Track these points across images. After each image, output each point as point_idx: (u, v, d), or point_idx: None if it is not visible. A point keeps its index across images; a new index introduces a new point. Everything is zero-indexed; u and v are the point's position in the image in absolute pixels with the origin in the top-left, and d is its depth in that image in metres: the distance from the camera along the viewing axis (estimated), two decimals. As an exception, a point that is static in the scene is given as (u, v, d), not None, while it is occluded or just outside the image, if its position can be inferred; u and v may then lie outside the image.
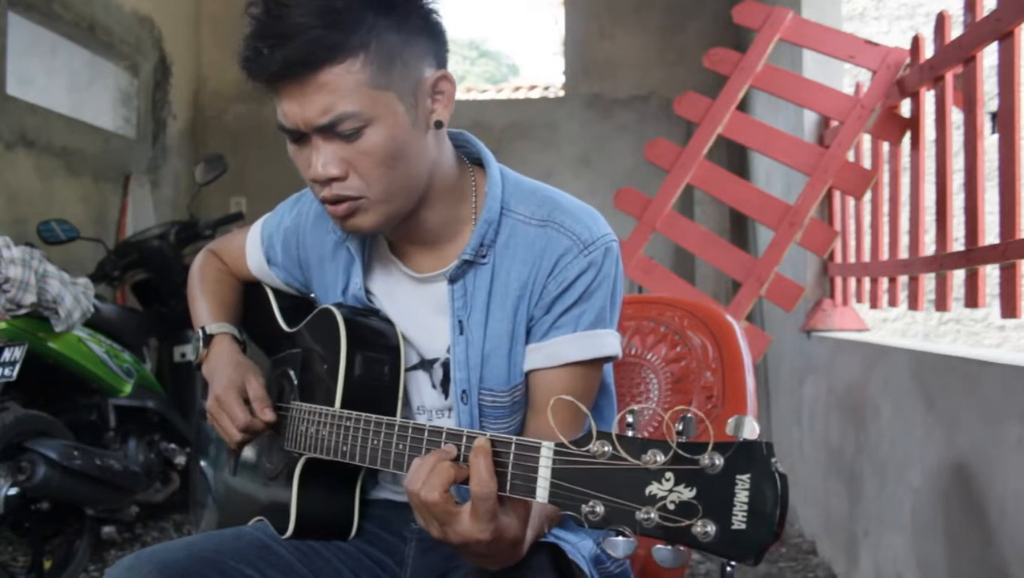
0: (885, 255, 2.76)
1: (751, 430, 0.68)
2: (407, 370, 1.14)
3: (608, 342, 1.09)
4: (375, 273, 1.17)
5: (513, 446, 0.83)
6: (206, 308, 1.29)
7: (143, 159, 4.52)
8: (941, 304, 2.26)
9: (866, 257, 2.93)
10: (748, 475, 0.67)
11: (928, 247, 2.41)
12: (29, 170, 3.58)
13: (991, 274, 2.22)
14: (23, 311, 2.35)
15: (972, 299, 2.08)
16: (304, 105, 0.97)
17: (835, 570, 2.81)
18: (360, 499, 1.17)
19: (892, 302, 2.67)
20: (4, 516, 2.29)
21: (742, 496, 0.67)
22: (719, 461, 0.68)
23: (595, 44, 5.03)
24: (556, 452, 0.79)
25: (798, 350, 3.27)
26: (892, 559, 2.24)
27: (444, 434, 0.90)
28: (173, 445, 3.08)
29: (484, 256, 1.09)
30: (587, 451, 0.75)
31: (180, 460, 3.06)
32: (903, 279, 2.56)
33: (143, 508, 2.97)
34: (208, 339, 1.25)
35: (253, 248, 1.31)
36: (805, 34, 2.87)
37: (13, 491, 2.29)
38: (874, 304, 2.79)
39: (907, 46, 2.63)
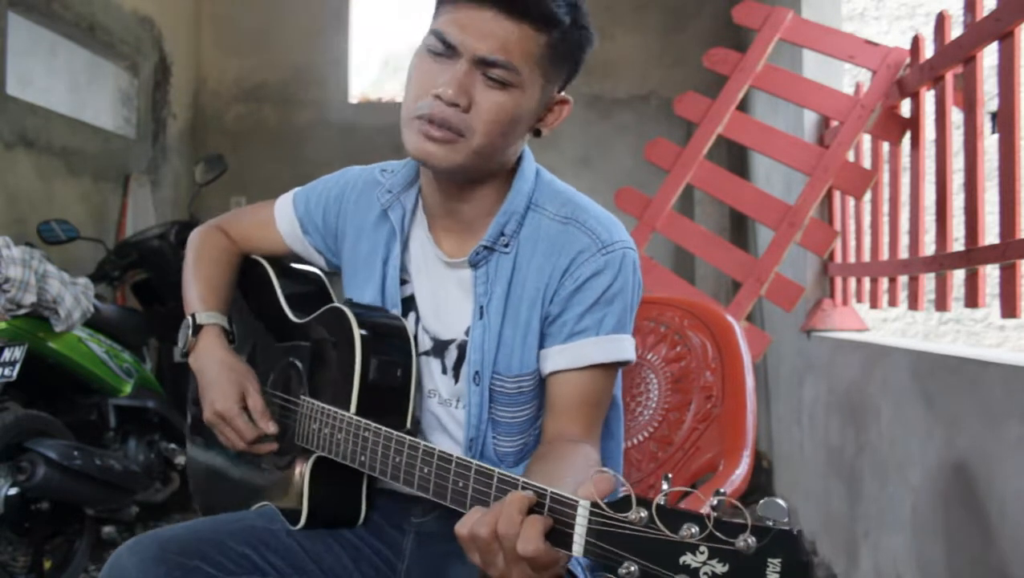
0: (885, 255, 2.76)
1: (782, 513, 0.72)
2: (419, 355, 1.17)
3: (627, 347, 1.14)
4: (412, 250, 1.22)
5: (548, 498, 0.83)
6: (198, 294, 1.31)
7: (143, 159, 4.51)
8: (941, 304, 2.26)
9: (866, 257, 2.93)
10: (779, 560, 0.71)
11: (928, 247, 2.41)
12: (29, 170, 3.58)
13: (991, 274, 2.22)
14: (23, 311, 2.35)
15: (972, 299, 2.08)
16: (486, 35, 1.03)
17: (835, 570, 2.80)
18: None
19: (892, 302, 2.67)
20: (4, 516, 2.28)
21: None
22: (752, 542, 0.71)
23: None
24: (593, 513, 0.79)
25: (798, 350, 3.27)
26: (892, 559, 2.24)
27: (473, 469, 0.90)
28: (173, 445, 3.08)
29: (507, 245, 1.14)
30: (624, 517, 0.77)
31: (180, 460, 3.05)
32: (903, 279, 2.56)
33: (143, 508, 2.97)
34: (197, 329, 1.27)
35: (285, 216, 1.33)
36: (805, 34, 2.87)
37: (13, 491, 2.29)
38: (874, 304, 2.79)
39: (907, 46, 2.62)
